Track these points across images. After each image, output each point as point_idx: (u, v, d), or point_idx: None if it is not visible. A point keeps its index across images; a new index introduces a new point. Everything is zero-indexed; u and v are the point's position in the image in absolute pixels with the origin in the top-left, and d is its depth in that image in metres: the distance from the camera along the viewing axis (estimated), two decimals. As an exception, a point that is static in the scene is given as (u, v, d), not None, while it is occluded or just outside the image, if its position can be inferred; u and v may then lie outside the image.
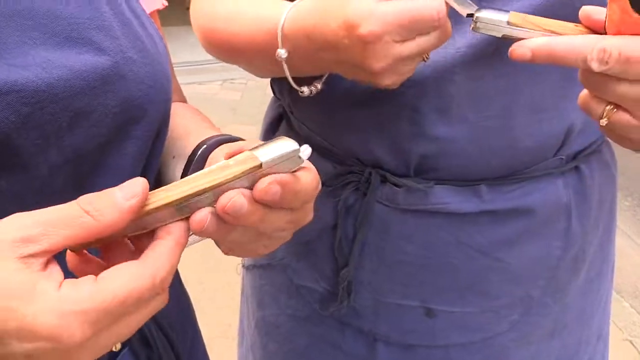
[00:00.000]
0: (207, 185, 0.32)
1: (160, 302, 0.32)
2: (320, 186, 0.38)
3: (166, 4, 0.63)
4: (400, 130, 0.57)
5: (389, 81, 0.46)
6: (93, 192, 0.31)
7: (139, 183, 0.31)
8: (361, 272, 0.64)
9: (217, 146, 0.46)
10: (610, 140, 0.68)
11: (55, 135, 0.37)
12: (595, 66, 0.38)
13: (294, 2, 0.51)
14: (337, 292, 0.65)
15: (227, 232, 0.35)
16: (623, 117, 0.41)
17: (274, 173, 0.34)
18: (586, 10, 0.41)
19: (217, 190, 0.33)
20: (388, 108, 0.56)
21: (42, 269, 0.29)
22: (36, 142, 0.36)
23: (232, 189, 0.33)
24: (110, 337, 0.30)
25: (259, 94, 4.42)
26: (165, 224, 0.32)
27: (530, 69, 0.52)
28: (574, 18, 0.44)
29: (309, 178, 0.36)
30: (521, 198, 0.60)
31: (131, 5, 0.46)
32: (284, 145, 0.34)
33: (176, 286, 0.57)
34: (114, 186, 0.31)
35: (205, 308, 1.85)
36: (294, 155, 0.34)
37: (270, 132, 0.75)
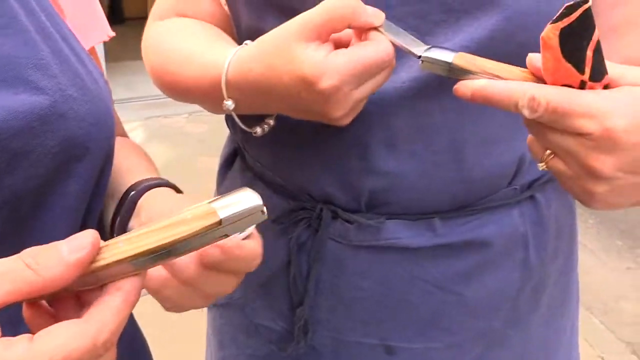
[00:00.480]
0: (163, 243, 0.30)
1: None
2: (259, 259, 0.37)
3: (112, 34, 0.62)
4: (349, 166, 0.57)
5: (345, 121, 0.48)
6: (34, 234, 0.30)
7: (88, 235, 0.29)
8: (318, 311, 0.63)
9: (146, 191, 0.45)
10: None
11: None
12: (526, 113, 0.39)
13: (235, 50, 0.51)
14: (295, 331, 0.64)
15: (162, 288, 0.33)
16: (558, 165, 0.41)
17: (234, 229, 0.32)
18: (530, 57, 0.41)
19: (172, 248, 0.31)
20: (336, 144, 0.56)
21: None
22: None
23: (190, 245, 0.31)
24: None
25: (226, 126, 4.42)
26: (118, 279, 0.30)
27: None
28: (517, 54, 0.44)
29: (252, 246, 0.35)
30: (476, 230, 0.59)
31: (69, 43, 0.45)
32: (246, 199, 0.32)
33: (128, 328, 0.54)
34: (55, 228, 0.31)
35: (170, 350, 1.79)
36: (257, 212, 0.32)
37: (226, 167, 0.74)
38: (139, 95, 5.15)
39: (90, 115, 0.42)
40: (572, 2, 0.36)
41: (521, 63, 0.43)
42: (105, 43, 4.70)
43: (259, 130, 0.56)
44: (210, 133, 4.33)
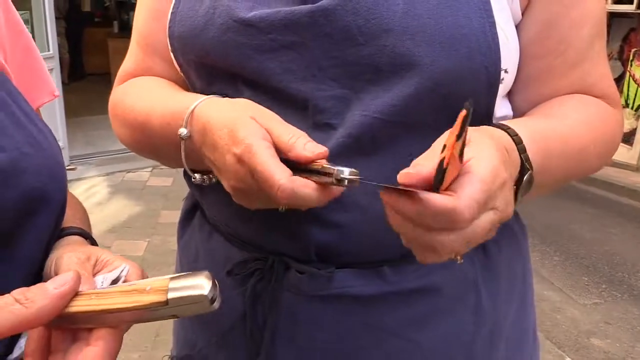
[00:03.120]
0: (120, 307, 0.35)
1: None
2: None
3: (57, 94, 0.63)
4: (297, 219, 0.57)
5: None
6: None
7: (69, 274, 0.35)
8: None
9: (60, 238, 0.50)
10: (516, 210, 0.70)
11: None
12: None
13: (207, 97, 0.55)
14: None
15: None
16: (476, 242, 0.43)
17: (182, 311, 0.36)
18: (401, 174, 0.42)
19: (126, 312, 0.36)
20: None
21: None
22: None
23: (139, 315, 0.36)
24: None
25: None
26: (93, 326, 0.36)
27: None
28: (441, 106, 0.51)
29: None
30: (425, 277, 0.59)
31: (20, 105, 0.49)
32: (196, 287, 0.35)
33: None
34: (15, 275, 0.36)
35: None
36: (202, 301, 0.35)
37: (186, 221, 0.75)
38: (100, 150, 5.10)
39: (45, 169, 0.47)
40: (466, 107, 0.38)
41: (447, 115, 0.46)
42: (65, 99, 4.67)
43: (198, 177, 0.58)
44: (174, 187, 4.30)
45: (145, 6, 0.70)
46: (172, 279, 0.36)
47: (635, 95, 7.89)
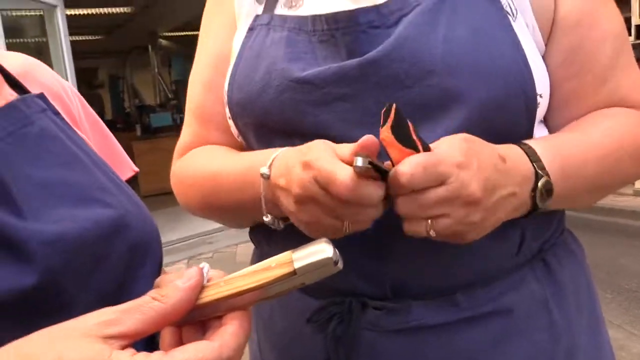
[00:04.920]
0: (250, 287, 0.37)
1: None
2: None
3: (136, 169, 0.71)
4: (370, 258, 0.60)
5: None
6: None
7: (193, 271, 0.38)
8: None
9: None
10: (573, 233, 0.72)
11: (86, 277, 0.45)
12: (404, 180, 0.48)
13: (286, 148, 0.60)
14: None
15: None
16: (442, 221, 0.50)
17: (310, 278, 0.38)
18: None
19: (257, 291, 0.38)
20: (354, 240, 0.59)
21: (119, 348, 0.33)
22: (75, 284, 0.44)
23: (273, 290, 0.38)
24: None
25: (228, 263, 4.43)
26: (223, 313, 0.38)
27: None
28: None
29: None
30: (497, 300, 0.62)
31: (114, 173, 0.56)
32: (321, 252, 0.38)
33: None
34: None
35: None
36: (328, 264, 0.37)
37: None
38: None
39: (145, 224, 0.53)
40: (385, 108, 0.48)
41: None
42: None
43: (270, 217, 0.61)
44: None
45: (199, 80, 0.76)
46: (293, 251, 0.38)
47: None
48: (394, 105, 0.48)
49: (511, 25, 0.59)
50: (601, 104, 0.65)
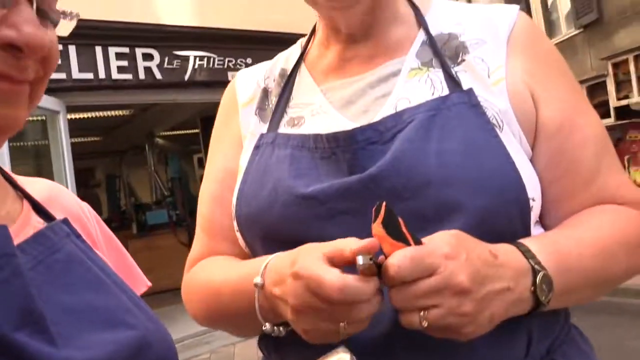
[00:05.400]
0: None
1: None
2: None
3: (149, 284, 0.73)
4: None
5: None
6: None
7: None
8: None
9: None
10: (580, 330, 0.73)
11: None
12: (392, 271, 0.51)
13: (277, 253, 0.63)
14: None
15: None
16: (435, 312, 0.52)
17: None
18: None
19: None
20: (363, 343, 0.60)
21: None
22: None
23: None
24: None
25: (250, 355, 4.31)
26: None
27: None
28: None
29: None
30: None
31: (133, 292, 0.58)
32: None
33: None
34: None
35: None
36: None
37: None
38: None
39: (165, 342, 0.55)
40: (375, 205, 0.53)
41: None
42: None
43: (268, 326, 0.62)
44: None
45: (208, 195, 0.81)
46: None
47: (644, 199, 7.98)
48: (384, 203, 0.52)
49: (499, 136, 0.64)
50: (591, 203, 0.68)
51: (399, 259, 0.51)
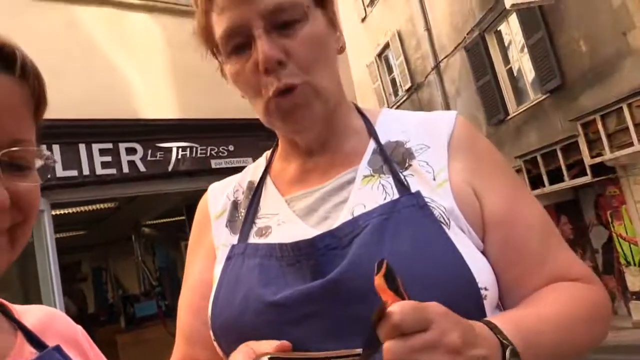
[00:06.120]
0: None
1: None
2: None
3: None
4: None
5: None
6: None
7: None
8: None
9: None
10: None
11: None
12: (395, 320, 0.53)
13: None
14: None
15: None
16: None
17: None
18: None
19: None
20: None
21: None
22: None
23: None
24: None
25: None
26: None
27: None
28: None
29: None
30: None
31: None
32: None
33: None
34: None
35: None
36: None
37: None
38: None
39: None
40: (377, 261, 0.57)
41: None
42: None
43: None
44: None
45: (186, 305, 0.85)
46: None
47: (631, 251, 8.02)
48: (385, 260, 0.57)
49: (446, 233, 0.70)
50: (544, 284, 0.74)
51: (403, 307, 0.53)
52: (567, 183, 8.36)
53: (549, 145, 8.57)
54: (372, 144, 0.82)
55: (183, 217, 7.60)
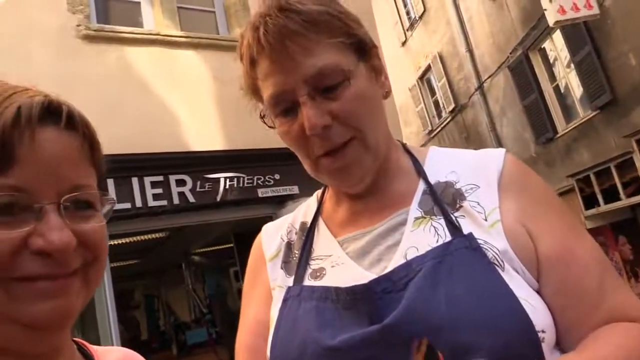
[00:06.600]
0: None
1: None
2: None
3: None
4: None
5: None
6: None
7: None
8: None
9: None
10: None
11: None
12: None
13: None
14: None
15: None
16: None
17: None
18: None
19: None
20: None
21: None
22: None
23: None
24: None
25: None
26: None
27: None
28: None
29: None
30: None
31: None
32: None
33: None
34: None
35: None
36: None
37: None
38: None
39: None
40: (417, 341, 0.59)
41: None
42: None
43: None
44: None
45: (244, 345, 0.87)
46: None
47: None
48: (426, 339, 0.58)
49: (501, 276, 0.70)
50: (603, 323, 0.73)
51: None
52: (624, 202, 8.03)
53: (603, 163, 8.28)
54: (421, 185, 0.83)
55: (231, 245, 7.73)
